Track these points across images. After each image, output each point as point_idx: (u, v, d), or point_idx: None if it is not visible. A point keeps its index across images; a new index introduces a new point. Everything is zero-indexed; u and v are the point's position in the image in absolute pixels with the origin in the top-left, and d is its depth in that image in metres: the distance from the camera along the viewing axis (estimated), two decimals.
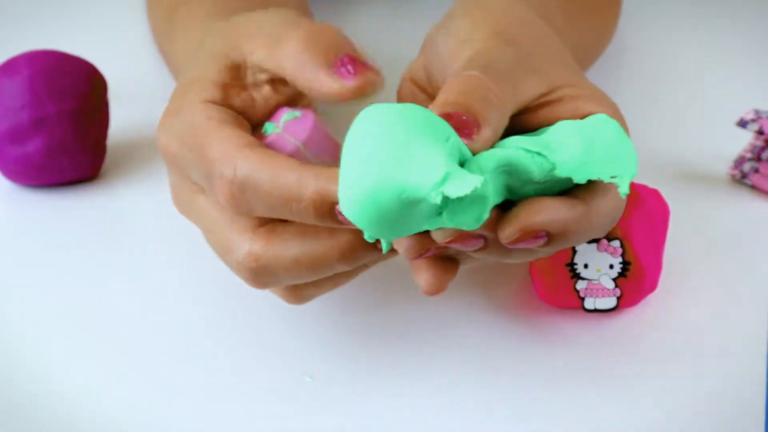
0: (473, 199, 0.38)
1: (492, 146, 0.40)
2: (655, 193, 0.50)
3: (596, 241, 0.48)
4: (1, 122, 0.57)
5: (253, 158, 0.42)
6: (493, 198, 0.39)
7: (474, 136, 0.40)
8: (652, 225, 0.50)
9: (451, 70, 0.44)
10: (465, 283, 0.52)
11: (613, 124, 0.42)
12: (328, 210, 0.41)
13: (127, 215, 0.58)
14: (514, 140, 0.41)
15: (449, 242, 0.39)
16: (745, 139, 0.62)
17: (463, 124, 0.40)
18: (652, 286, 0.50)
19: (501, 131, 0.41)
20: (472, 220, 0.38)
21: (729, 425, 0.45)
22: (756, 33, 0.76)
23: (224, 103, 0.45)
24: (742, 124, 0.58)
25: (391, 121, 0.38)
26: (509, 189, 0.40)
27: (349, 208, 0.38)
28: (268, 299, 0.51)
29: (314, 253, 0.42)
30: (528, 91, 0.43)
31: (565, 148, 0.40)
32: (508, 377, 0.48)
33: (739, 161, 0.60)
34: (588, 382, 0.48)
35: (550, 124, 0.43)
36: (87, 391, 0.48)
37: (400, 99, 0.49)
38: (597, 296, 0.49)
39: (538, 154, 0.40)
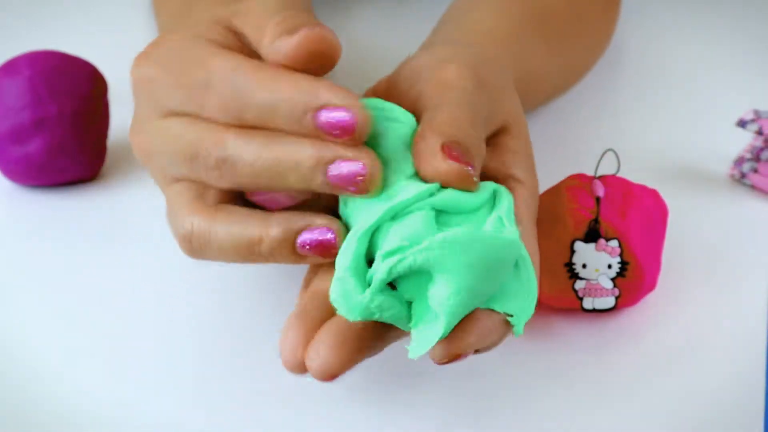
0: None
1: None
2: (654, 193, 0.51)
3: (594, 240, 0.49)
4: (2, 122, 0.57)
5: (257, 63, 0.41)
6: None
7: (475, 171, 0.41)
8: (651, 225, 0.50)
9: (428, 89, 0.44)
10: None
11: (519, 248, 0.40)
12: (312, 113, 0.40)
13: (127, 215, 0.58)
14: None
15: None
16: (745, 139, 0.62)
17: (467, 156, 0.41)
18: (651, 286, 0.50)
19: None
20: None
21: (728, 425, 0.46)
22: (756, 33, 0.76)
23: (220, 43, 0.44)
24: (742, 124, 0.58)
25: None
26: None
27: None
28: (269, 299, 0.51)
29: (275, 154, 0.41)
30: (489, 133, 0.45)
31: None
32: (507, 377, 0.48)
33: (739, 161, 0.60)
34: (587, 381, 0.48)
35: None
36: (87, 390, 0.48)
37: None
38: (595, 296, 0.49)
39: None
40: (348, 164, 0.40)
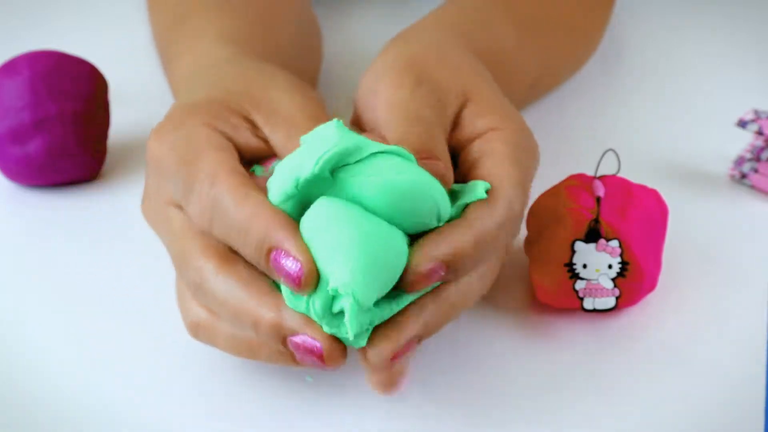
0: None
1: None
2: (654, 193, 0.51)
3: (595, 240, 0.48)
4: (2, 122, 0.57)
5: (230, 183, 0.43)
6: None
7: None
8: (651, 225, 0.50)
9: (377, 116, 0.47)
10: None
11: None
12: (265, 254, 0.42)
13: (127, 215, 0.58)
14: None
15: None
16: (745, 139, 0.62)
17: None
18: (651, 286, 0.50)
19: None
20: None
21: (728, 425, 0.45)
22: (756, 33, 0.76)
23: (226, 135, 0.46)
24: (742, 124, 0.58)
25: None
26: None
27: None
28: None
29: (241, 303, 0.43)
30: (450, 117, 0.47)
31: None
32: (507, 377, 0.48)
33: (739, 161, 0.60)
34: (587, 381, 0.48)
35: (453, 143, 0.47)
36: (87, 389, 0.48)
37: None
38: (596, 296, 0.49)
39: None
40: (306, 339, 0.42)
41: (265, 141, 0.47)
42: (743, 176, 0.60)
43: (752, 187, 0.60)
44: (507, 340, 0.50)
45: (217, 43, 0.55)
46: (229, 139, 0.46)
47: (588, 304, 0.50)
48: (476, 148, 0.46)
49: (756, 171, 0.59)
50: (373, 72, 0.49)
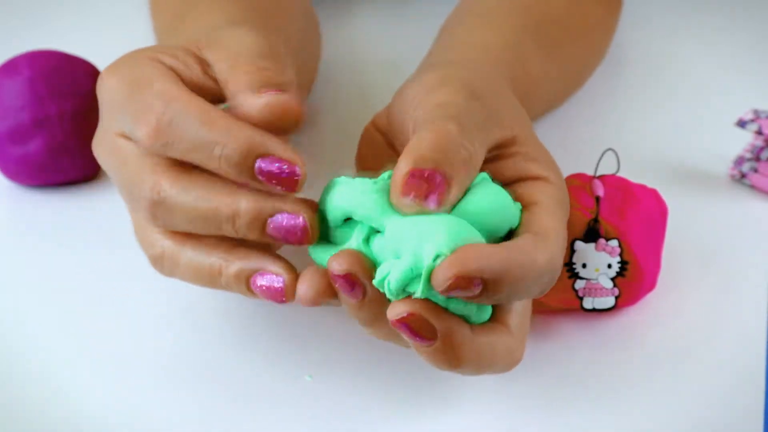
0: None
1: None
2: (654, 193, 0.51)
3: (594, 240, 0.49)
4: (2, 122, 0.57)
5: (189, 100, 0.42)
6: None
7: (443, 197, 0.41)
8: (651, 224, 0.50)
9: (419, 114, 0.45)
10: None
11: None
12: (251, 162, 0.41)
13: (126, 215, 0.58)
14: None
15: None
16: (745, 139, 0.62)
17: (435, 186, 0.41)
18: (651, 286, 0.50)
19: (465, 189, 0.43)
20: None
21: (728, 425, 0.45)
22: (756, 33, 0.76)
23: (175, 70, 0.45)
24: (742, 124, 0.58)
25: None
26: None
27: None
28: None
29: (211, 202, 0.42)
30: (492, 142, 0.45)
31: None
32: (507, 377, 0.48)
33: (739, 161, 0.60)
34: (587, 381, 0.48)
35: (496, 177, 0.45)
36: (86, 389, 0.48)
37: (361, 140, 0.50)
38: (595, 296, 0.49)
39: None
40: (288, 217, 0.42)
41: (215, 80, 0.46)
42: (743, 176, 0.60)
43: (752, 186, 0.60)
44: None
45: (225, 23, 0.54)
46: (178, 75, 0.45)
47: (587, 303, 0.50)
48: (525, 192, 0.45)
49: (756, 171, 0.59)
50: (425, 83, 0.47)
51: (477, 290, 0.39)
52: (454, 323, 0.41)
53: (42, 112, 0.57)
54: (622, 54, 0.73)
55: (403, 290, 0.40)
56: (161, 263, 0.45)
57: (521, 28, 0.59)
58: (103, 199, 0.60)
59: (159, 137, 0.42)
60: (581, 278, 0.49)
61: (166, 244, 0.45)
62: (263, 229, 0.42)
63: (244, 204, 0.42)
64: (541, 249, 0.41)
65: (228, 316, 0.51)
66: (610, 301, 0.50)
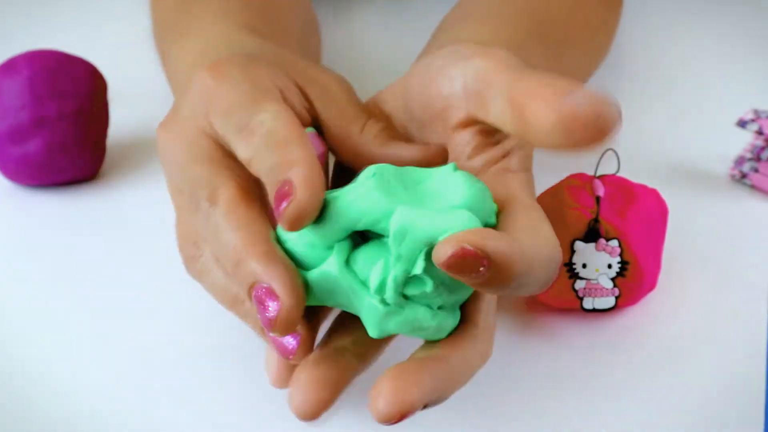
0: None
1: None
2: (654, 193, 0.51)
3: (594, 240, 0.49)
4: (2, 122, 0.57)
5: (300, 132, 0.41)
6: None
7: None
8: (651, 224, 0.50)
9: (470, 72, 0.43)
10: None
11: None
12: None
13: (127, 215, 0.58)
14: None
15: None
16: (745, 139, 0.62)
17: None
18: (651, 286, 0.50)
19: None
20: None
21: (729, 424, 0.45)
22: (756, 33, 0.76)
23: (283, 95, 0.45)
24: (742, 124, 0.58)
25: None
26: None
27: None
28: None
29: (237, 244, 0.41)
30: None
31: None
32: (506, 376, 0.48)
33: (739, 161, 0.60)
34: (587, 381, 0.48)
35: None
36: (87, 389, 0.48)
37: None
38: (595, 296, 0.49)
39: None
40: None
41: (313, 116, 0.46)
42: (743, 176, 0.60)
43: (752, 186, 0.60)
44: (506, 339, 0.50)
45: (227, 22, 0.54)
46: (285, 100, 0.45)
47: (587, 303, 0.50)
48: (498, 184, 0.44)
49: (756, 171, 0.59)
50: (455, 52, 0.45)
51: (484, 273, 0.37)
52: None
53: (41, 111, 0.57)
54: (623, 54, 0.73)
55: (401, 294, 0.39)
56: (194, 266, 0.45)
57: (525, 30, 0.58)
58: (102, 199, 0.60)
59: (261, 160, 0.41)
60: (581, 278, 0.49)
61: (206, 251, 0.45)
62: (249, 293, 0.41)
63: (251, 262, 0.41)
64: (540, 238, 0.40)
65: (229, 315, 0.51)
66: (610, 301, 0.50)
